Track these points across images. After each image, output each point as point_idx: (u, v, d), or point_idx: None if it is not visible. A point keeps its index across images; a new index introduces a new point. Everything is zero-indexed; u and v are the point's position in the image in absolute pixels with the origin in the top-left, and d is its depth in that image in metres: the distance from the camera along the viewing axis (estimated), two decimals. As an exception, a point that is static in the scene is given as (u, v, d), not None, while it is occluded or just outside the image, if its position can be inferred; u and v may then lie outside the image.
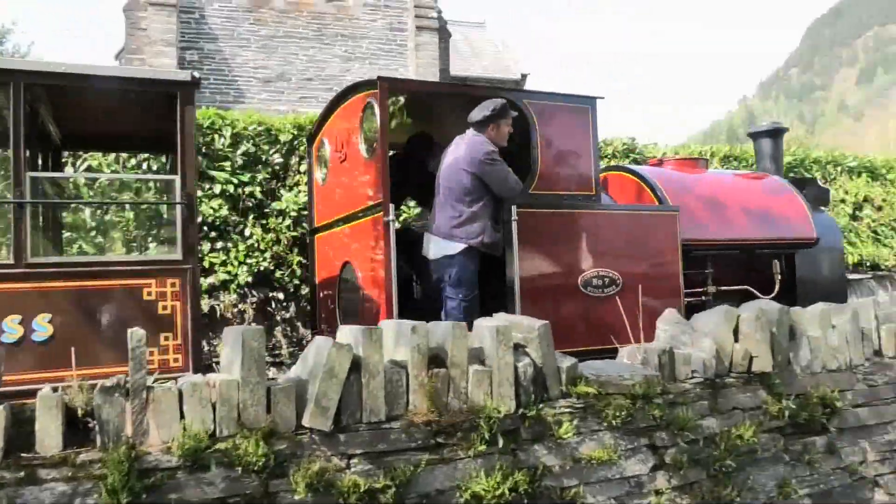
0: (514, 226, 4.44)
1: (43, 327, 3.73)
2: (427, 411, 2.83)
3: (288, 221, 6.68)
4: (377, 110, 4.42)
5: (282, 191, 6.86)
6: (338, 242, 5.26)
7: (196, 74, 4.22)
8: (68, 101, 4.38)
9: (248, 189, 6.64)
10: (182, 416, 2.50)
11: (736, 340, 3.71)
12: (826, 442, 3.90)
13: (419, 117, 5.47)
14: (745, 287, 5.71)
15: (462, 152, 4.53)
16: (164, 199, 6.24)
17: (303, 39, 15.47)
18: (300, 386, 2.68)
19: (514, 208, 4.46)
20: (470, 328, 3.18)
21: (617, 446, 3.21)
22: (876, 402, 4.16)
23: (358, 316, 4.75)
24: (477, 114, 4.56)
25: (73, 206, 6.34)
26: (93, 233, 6.40)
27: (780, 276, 5.79)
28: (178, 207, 4.10)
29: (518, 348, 3.08)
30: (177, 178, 4.09)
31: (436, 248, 4.57)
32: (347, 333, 2.83)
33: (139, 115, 4.72)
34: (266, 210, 6.71)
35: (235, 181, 6.59)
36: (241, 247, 6.51)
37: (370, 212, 4.54)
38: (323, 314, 5.57)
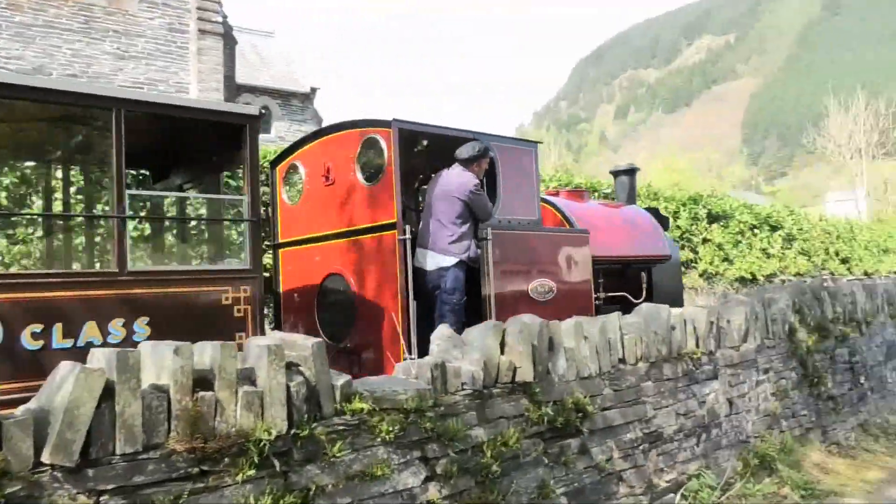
0: (489, 244, 5.40)
1: (142, 329, 4.13)
2: (191, 437, 2.66)
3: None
4: (384, 145, 5.31)
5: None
6: (319, 256, 5.95)
7: (263, 110, 4.89)
8: (148, 126, 4.73)
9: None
10: None
11: (502, 353, 3.95)
12: (580, 443, 4.27)
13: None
14: (623, 294, 7.06)
15: (454, 183, 5.52)
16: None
17: (67, 31, 14.03)
18: (41, 417, 2.39)
19: (489, 229, 5.44)
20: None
21: (390, 461, 3.26)
22: (620, 405, 4.64)
23: (350, 322, 5.52)
24: (464, 153, 5.59)
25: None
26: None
27: (645, 285, 7.22)
28: (247, 224, 4.70)
29: (291, 367, 3.01)
30: (246, 199, 4.71)
31: (432, 260, 5.45)
32: (100, 356, 2.58)
33: (201, 140, 5.22)
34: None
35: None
36: None
37: (376, 230, 5.35)
38: (291, 322, 6.17)
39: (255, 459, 2.78)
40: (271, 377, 2.87)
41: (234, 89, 15.87)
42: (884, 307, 9.23)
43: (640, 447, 4.70)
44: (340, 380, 3.16)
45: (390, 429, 3.25)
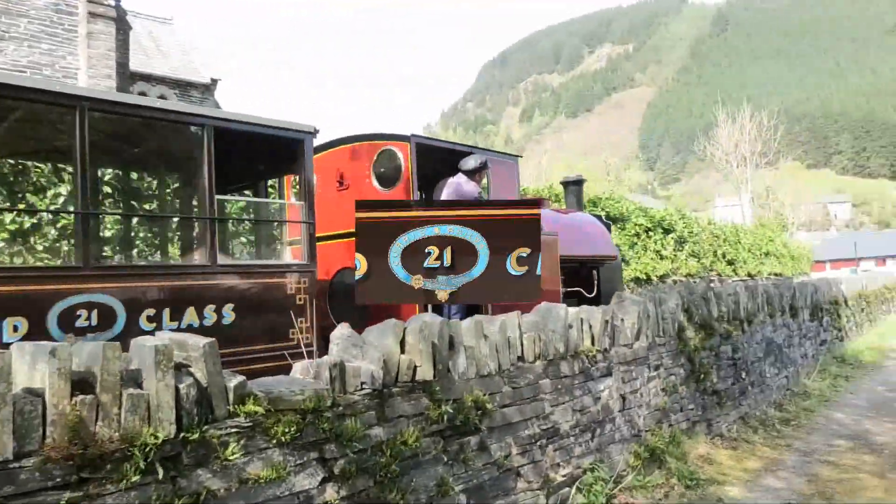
0: None
1: (228, 314, 4.68)
2: (69, 444, 2.50)
3: None
4: (401, 156, 6.32)
5: None
6: (332, 252, 6.71)
7: (317, 127, 5.50)
8: (226, 139, 5.11)
9: None
10: None
11: (402, 352, 3.94)
12: (479, 440, 4.31)
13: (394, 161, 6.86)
14: (578, 289, 7.98)
15: (463, 190, 6.50)
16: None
17: (-63, 7, 12.93)
18: None
19: None
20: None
21: (286, 463, 3.18)
22: (519, 402, 4.72)
23: (363, 311, 5.90)
24: (468, 164, 6.60)
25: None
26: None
27: (596, 282, 8.20)
28: (305, 225, 5.34)
29: (181, 368, 2.89)
30: (304, 204, 5.36)
31: None
32: (-35, 359, 2.38)
33: (261, 151, 5.86)
34: None
35: None
36: None
37: None
38: None
39: (141, 465, 2.65)
40: (159, 379, 2.74)
41: (127, 77, 15.08)
42: (764, 307, 9.84)
43: (538, 443, 4.80)
44: (234, 381, 3.05)
45: (286, 430, 3.17)
